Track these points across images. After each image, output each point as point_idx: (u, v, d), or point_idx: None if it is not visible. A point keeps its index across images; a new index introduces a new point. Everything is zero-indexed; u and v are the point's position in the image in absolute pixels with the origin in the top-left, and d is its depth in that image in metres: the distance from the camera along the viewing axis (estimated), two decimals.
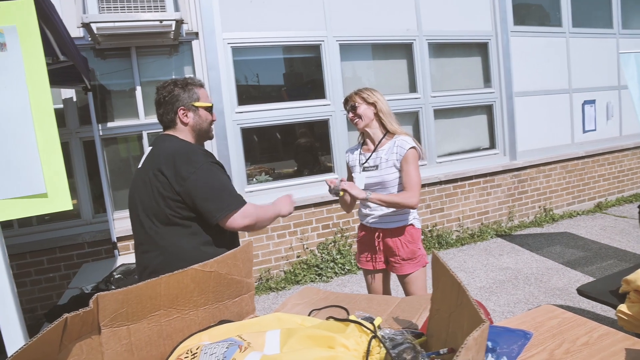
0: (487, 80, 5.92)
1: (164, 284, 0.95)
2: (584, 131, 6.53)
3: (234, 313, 1.13)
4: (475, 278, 4.41)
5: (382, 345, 0.77)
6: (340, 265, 4.84)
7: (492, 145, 6.00)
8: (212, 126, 1.99)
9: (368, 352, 0.74)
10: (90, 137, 4.14)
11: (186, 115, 1.87)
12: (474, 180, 5.69)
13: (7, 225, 4.01)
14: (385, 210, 2.44)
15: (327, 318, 0.89)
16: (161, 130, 1.98)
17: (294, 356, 0.69)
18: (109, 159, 4.38)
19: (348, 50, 5.13)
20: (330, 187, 2.32)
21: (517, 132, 5.95)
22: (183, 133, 1.89)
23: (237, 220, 1.73)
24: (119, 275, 3.22)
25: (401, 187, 2.40)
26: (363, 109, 2.45)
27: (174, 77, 4.48)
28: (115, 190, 4.41)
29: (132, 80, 4.36)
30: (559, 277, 4.24)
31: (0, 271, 1.01)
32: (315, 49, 4.99)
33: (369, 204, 2.47)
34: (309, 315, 1.17)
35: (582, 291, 2.21)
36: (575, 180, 6.42)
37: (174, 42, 4.35)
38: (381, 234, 2.48)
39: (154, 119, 4.39)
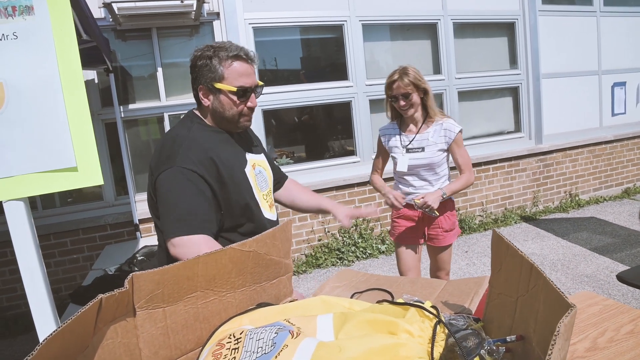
0: (513, 61, 5.73)
1: (202, 264, 0.89)
2: (613, 114, 6.29)
3: (271, 295, 1.07)
4: None
5: (446, 331, 0.69)
6: (361, 249, 4.78)
7: (518, 129, 5.83)
8: (244, 115, 1.54)
9: (433, 339, 0.67)
10: (112, 119, 4.11)
11: (207, 97, 1.51)
12: (498, 164, 5.55)
13: (32, 206, 4.02)
14: (430, 188, 2.52)
15: (379, 301, 0.82)
16: (184, 110, 1.81)
17: (355, 343, 0.62)
18: (130, 141, 4.35)
19: (371, 30, 4.99)
20: (422, 208, 2.37)
21: (543, 115, 5.76)
22: (207, 115, 1.56)
23: (170, 248, 1.35)
24: (141, 257, 3.21)
25: (444, 167, 2.53)
26: (415, 96, 2.45)
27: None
28: (137, 172, 4.39)
29: (153, 61, 4.30)
30: (587, 263, 4.12)
31: (29, 251, 0.96)
32: (338, 29, 4.87)
33: (409, 181, 2.56)
34: (351, 297, 1.10)
35: (622, 278, 2.11)
36: (602, 165, 6.22)
37: (195, 23, 4.27)
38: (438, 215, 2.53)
39: (175, 100, 4.35)
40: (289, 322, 0.75)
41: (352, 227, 4.93)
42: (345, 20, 4.81)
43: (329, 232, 4.85)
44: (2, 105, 0.91)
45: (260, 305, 0.96)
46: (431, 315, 0.72)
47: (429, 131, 2.50)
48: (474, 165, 5.37)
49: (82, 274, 4.08)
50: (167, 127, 4.35)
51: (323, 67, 5.13)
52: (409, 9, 5.07)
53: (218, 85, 1.47)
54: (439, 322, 0.70)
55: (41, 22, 0.90)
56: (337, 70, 4.97)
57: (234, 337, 0.76)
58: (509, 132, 5.81)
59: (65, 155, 0.93)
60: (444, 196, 2.43)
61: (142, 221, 4.17)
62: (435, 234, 2.59)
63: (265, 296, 1.05)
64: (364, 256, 4.76)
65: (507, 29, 5.67)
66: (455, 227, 2.63)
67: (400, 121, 2.62)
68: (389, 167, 2.75)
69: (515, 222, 5.48)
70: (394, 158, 2.60)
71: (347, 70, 4.88)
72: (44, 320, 1.01)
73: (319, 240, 4.83)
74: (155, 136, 4.53)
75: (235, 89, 1.47)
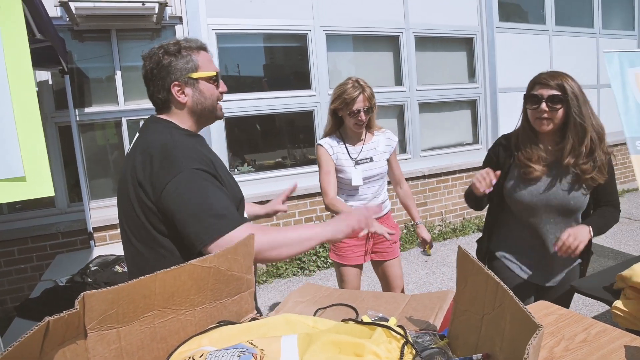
0: (471, 75, 5.90)
1: (159, 281, 0.84)
2: None
3: (232, 312, 1.03)
4: None
5: (413, 351, 0.68)
6: (322, 258, 4.76)
7: (476, 141, 5.99)
8: (219, 102, 1.48)
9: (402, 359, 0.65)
10: (67, 123, 3.93)
11: (183, 93, 1.40)
12: (457, 175, 5.68)
13: None
14: (378, 199, 2.50)
15: (345, 320, 0.79)
16: (145, 116, 1.69)
17: None
18: (85, 146, 4.18)
19: (335, 40, 5.02)
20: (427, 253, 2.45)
21: (499, 127, 5.94)
22: (180, 117, 1.43)
23: (215, 251, 1.16)
24: (95, 267, 3.06)
25: (386, 177, 2.56)
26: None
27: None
28: (92, 178, 4.22)
29: (111, 64, 4.16)
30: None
31: None
32: (302, 38, 4.87)
33: (360, 194, 2.48)
34: (314, 314, 1.07)
35: (575, 287, 2.18)
36: None
37: (156, 26, 4.17)
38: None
39: (134, 105, 4.22)
40: (251, 344, 0.72)
41: None
42: (310, 30, 4.82)
43: None
44: None
45: (222, 323, 0.92)
46: (398, 336, 0.71)
47: (374, 141, 2.50)
48: (434, 175, 5.49)
49: (30, 284, 3.87)
50: (125, 132, 4.21)
51: (286, 76, 5.11)
52: (373, 20, 5.13)
53: (195, 75, 1.40)
54: (406, 342, 0.69)
55: None
56: (300, 79, 4.96)
57: (194, 359, 0.72)
58: (467, 144, 5.96)
59: (13, 163, 0.87)
60: (422, 223, 2.63)
61: (96, 229, 4.00)
62: (383, 247, 2.54)
63: (226, 313, 1.01)
64: (325, 266, 4.74)
65: (466, 43, 5.84)
66: (399, 239, 2.65)
67: (343, 134, 2.51)
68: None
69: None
70: (343, 172, 2.46)
71: (310, 79, 4.89)
72: None
73: None
74: (112, 141, 4.37)
75: (214, 73, 1.44)
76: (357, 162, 2.45)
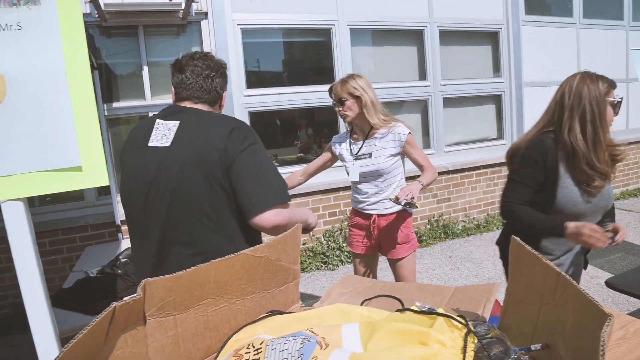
0: (496, 69, 5.81)
1: (215, 270, 0.85)
2: None
3: (279, 302, 1.04)
4: (484, 269, 4.35)
5: (475, 341, 0.67)
6: (346, 253, 4.76)
7: (500, 136, 5.91)
8: None
9: (465, 349, 0.65)
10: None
11: (222, 104, 1.66)
12: (481, 171, 5.61)
13: None
14: (380, 196, 2.49)
15: (400, 310, 0.79)
16: None
17: (389, 354, 0.60)
18: (113, 140, 4.25)
19: (358, 35, 5.00)
20: (397, 202, 2.30)
21: (525, 122, 5.84)
22: (215, 111, 1.64)
23: (276, 215, 1.36)
24: (124, 259, 3.11)
25: (396, 174, 2.48)
26: (350, 103, 2.42)
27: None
28: (120, 172, 4.28)
29: (138, 60, 4.21)
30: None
31: (28, 254, 0.91)
32: (326, 33, 4.85)
33: (361, 189, 2.52)
34: (361, 305, 1.07)
35: (611, 284, 2.14)
36: None
37: (182, 22, 4.20)
38: (376, 219, 2.50)
39: (160, 100, 4.26)
40: (312, 332, 0.72)
41: (337, 231, 4.91)
42: (334, 24, 4.80)
43: (313, 235, 4.82)
44: (4, 98, 0.86)
45: (272, 313, 0.93)
46: (460, 325, 0.70)
47: (376, 137, 2.46)
48: (458, 171, 5.43)
49: (60, 275, 3.95)
50: None
51: (310, 70, 5.10)
52: (397, 15, 5.09)
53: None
54: (469, 331, 0.68)
55: (47, 13, 0.84)
56: (323, 74, 4.95)
57: (253, 347, 0.72)
58: (491, 139, 5.89)
59: (70, 153, 0.88)
60: (422, 185, 2.31)
61: (124, 222, 4.07)
62: (387, 245, 2.54)
63: (274, 303, 1.02)
64: (349, 260, 4.74)
65: (491, 37, 5.75)
66: (410, 240, 2.54)
67: (351, 130, 2.59)
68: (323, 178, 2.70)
69: (497, 228, 5.53)
70: (345, 167, 2.56)
71: (334, 74, 4.87)
72: (41, 323, 0.96)
73: (304, 244, 4.80)
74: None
75: None
76: (356, 158, 2.49)
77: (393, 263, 2.58)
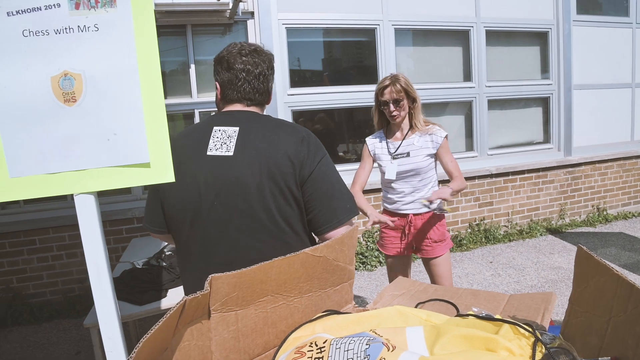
0: (544, 71, 5.64)
1: (276, 268, 0.86)
2: None
3: (334, 302, 1.04)
4: (526, 276, 4.24)
5: (543, 350, 0.66)
6: (380, 254, 4.74)
7: (547, 140, 5.74)
8: None
9: (534, 357, 0.64)
10: None
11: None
12: (525, 175, 5.46)
13: (62, 197, 4.07)
14: (417, 195, 2.51)
15: (460, 315, 0.78)
16: (215, 108, 1.69)
17: (457, 359, 0.59)
18: None
19: (403, 35, 4.96)
20: (429, 206, 2.37)
21: (573, 126, 5.66)
22: (265, 111, 1.54)
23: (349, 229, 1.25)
24: (169, 252, 3.20)
25: (432, 174, 2.53)
26: (404, 103, 2.46)
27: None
28: None
29: (186, 58, 4.32)
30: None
31: (97, 246, 0.95)
32: (370, 32, 4.83)
33: (397, 189, 2.54)
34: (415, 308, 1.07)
35: None
36: (632, 179, 6.08)
37: (229, 21, 4.28)
38: (412, 219, 2.52)
39: (206, 97, 4.36)
40: (376, 333, 0.72)
41: (377, 231, 4.89)
42: (379, 24, 4.78)
43: None
44: (80, 96, 0.90)
45: (329, 312, 0.94)
46: (527, 333, 0.69)
47: (414, 137, 2.50)
48: (501, 174, 5.31)
49: None
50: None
51: (354, 70, 5.10)
52: (442, 15, 5.02)
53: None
54: (537, 340, 0.67)
55: (123, 15, 0.88)
56: (367, 73, 4.94)
57: (316, 345, 0.73)
58: (537, 143, 5.73)
59: (139, 150, 0.92)
60: (452, 190, 2.32)
61: None
62: (423, 245, 2.55)
63: (329, 302, 1.03)
64: None
65: (540, 38, 5.58)
66: (446, 238, 2.58)
67: (387, 129, 2.62)
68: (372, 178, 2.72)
69: (540, 234, 5.39)
70: (381, 166, 2.58)
71: (378, 74, 4.85)
72: (107, 314, 1.00)
73: None
74: None
75: None
76: (394, 157, 2.51)
77: (429, 262, 2.59)
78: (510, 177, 5.39)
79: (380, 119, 2.62)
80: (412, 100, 2.47)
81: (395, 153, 2.52)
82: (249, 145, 1.31)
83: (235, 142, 1.33)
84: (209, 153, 1.32)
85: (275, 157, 1.29)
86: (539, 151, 5.65)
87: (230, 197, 1.29)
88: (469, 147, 5.37)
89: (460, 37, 5.21)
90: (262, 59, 1.44)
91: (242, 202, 1.29)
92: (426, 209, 2.52)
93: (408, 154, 2.48)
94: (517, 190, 5.46)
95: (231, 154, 1.31)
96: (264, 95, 1.47)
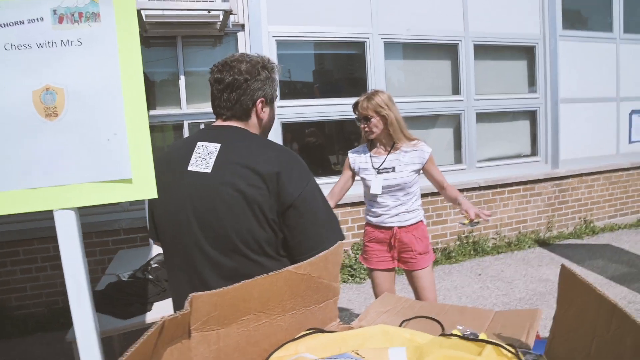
0: (532, 84, 5.71)
1: (259, 286, 0.86)
2: (630, 141, 6.24)
3: (318, 319, 1.03)
4: (514, 289, 4.24)
5: None
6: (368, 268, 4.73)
7: (534, 152, 5.79)
8: None
9: None
10: None
11: (263, 110, 1.44)
12: (513, 187, 5.50)
13: None
14: (400, 208, 2.53)
15: (444, 335, 0.78)
16: (206, 120, 1.67)
17: None
18: None
19: (392, 48, 4.99)
20: (471, 225, 2.37)
21: (560, 139, 5.72)
22: (252, 129, 1.44)
23: None
24: (156, 265, 3.16)
25: (416, 186, 2.56)
26: (375, 121, 2.48)
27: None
28: None
29: (175, 69, 4.31)
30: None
31: (77, 262, 0.93)
32: (360, 46, 4.87)
33: (382, 202, 2.56)
34: (399, 326, 1.06)
35: None
36: (618, 192, 6.15)
37: (219, 33, 4.28)
38: (397, 232, 2.53)
39: (195, 109, 4.34)
40: (357, 354, 0.72)
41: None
42: (368, 37, 4.81)
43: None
44: (62, 111, 0.89)
45: (312, 330, 0.93)
46: (509, 354, 0.69)
47: (399, 152, 2.53)
48: (490, 187, 5.34)
49: (93, 277, 4.01)
50: (186, 134, 4.34)
51: (343, 83, 5.13)
52: (431, 29, 5.07)
53: (275, 98, 1.51)
54: None
55: (107, 30, 0.88)
56: (356, 86, 4.97)
57: None
58: (525, 156, 5.78)
59: (122, 166, 0.91)
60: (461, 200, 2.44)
61: None
62: (408, 257, 2.56)
63: (313, 320, 1.02)
64: None
65: (527, 52, 5.66)
66: (429, 251, 2.59)
67: (371, 143, 2.64)
68: (353, 191, 2.78)
69: (529, 247, 5.41)
70: (365, 180, 2.59)
71: (367, 87, 4.87)
72: (86, 332, 0.98)
73: None
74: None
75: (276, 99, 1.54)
76: (378, 171, 2.53)
77: (413, 274, 2.59)
78: (498, 189, 5.43)
79: (365, 134, 2.63)
80: (383, 118, 2.46)
81: (380, 168, 2.53)
82: (227, 164, 1.30)
83: (214, 159, 1.31)
84: (189, 168, 1.33)
85: (252, 180, 1.26)
86: (527, 164, 5.70)
87: (205, 214, 1.30)
88: (458, 159, 5.40)
89: (449, 50, 5.27)
90: (241, 68, 1.38)
91: (215, 220, 1.28)
92: (411, 220, 2.54)
93: (393, 169, 2.51)
94: (506, 202, 5.50)
95: (209, 171, 1.30)
96: (235, 109, 1.40)
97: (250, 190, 1.26)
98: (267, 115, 1.47)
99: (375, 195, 2.54)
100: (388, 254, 2.58)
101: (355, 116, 2.58)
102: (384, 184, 2.51)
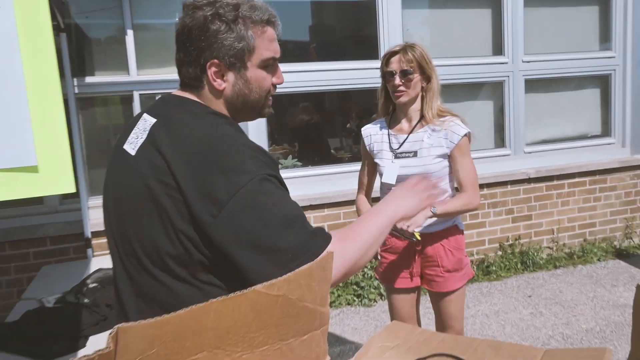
0: (604, 39, 5.71)
1: (214, 313, 0.83)
2: None
3: (300, 357, 1.02)
4: (578, 316, 4.25)
5: None
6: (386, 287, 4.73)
7: (606, 132, 5.81)
8: (269, 96, 1.52)
9: None
10: (62, 95, 4.08)
11: (221, 77, 1.37)
12: (577, 180, 5.50)
13: None
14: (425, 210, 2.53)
15: None
16: (164, 90, 1.64)
17: None
18: (85, 127, 4.32)
19: None
20: (402, 234, 2.35)
21: None
22: (212, 103, 1.40)
23: None
24: (94, 284, 3.15)
25: (445, 181, 2.54)
26: (416, 79, 2.46)
27: None
28: (93, 168, 4.36)
29: (120, 20, 4.27)
30: None
31: None
32: None
33: None
34: None
35: None
36: None
37: None
38: (421, 239, 2.49)
39: (149, 75, 4.34)
40: None
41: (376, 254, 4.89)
42: None
43: None
44: None
45: None
46: None
47: (424, 130, 2.51)
48: (543, 179, 5.33)
49: (6, 304, 4.00)
50: (137, 110, 4.32)
51: (345, 42, 5.13)
52: None
53: (246, 59, 1.38)
54: None
55: None
56: (364, 46, 4.97)
57: None
58: (593, 137, 5.80)
59: (22, 148, 0.87)
60: (434, 212, 2.36)
61: (95, 234, 4.11)
62: (432, 275, 2.55)
63: (293, 357, 1.00)
64: None
65: None
66: (464, 267, 2.58)
67: (391, 118, 2.64)
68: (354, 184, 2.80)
69: (599, 259, 5.42)
70: (379, 165, 2.60)
71: (379, 46, 4.87)
72: None
73: None
74: (119, 121, 4.50)
75: (268, 60, 1.43)
76: (396, 155, 2.54)
77: (439, 297, 2.60)
78: (555, 182, 5.42)
79: (385, 103, 2.64)
80: (427, 78, 2.47)
81: (399, 150, 2.53)
82: (149, 148, 1.28)
83: (144, 139, 1.30)
84: (124, 146, 1.35)
85: (161, 173, 1.22)
86: (596, 147, 5.71)
87: (117, 208, 1.34)
88: (499, 143, 5.39)
89: None
90: (191, 13, 1.33)
91: (120, 219, 1.32)
92: (439, 226, 2.52)
93: (415, 154, 2.50)
94: (565, 199, 5.50)
95: (133, 153, 1.31)
96: (187, 73, 1.38)
97: (158, 187, 1.22)
98: (230, 84, 1.39)
99: (390, 186, 2.52)
100: (409, 269, 2.58)
101: (382, 77, 2.55)
102: (400, 173, 2.49)
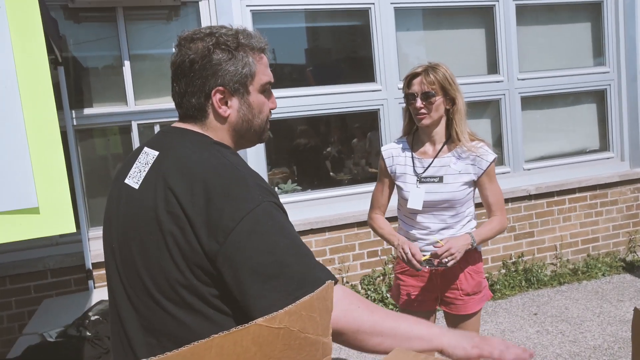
0: (598, 55, 5.75)
1: (216, 348, 0.83)
2: None
3: None
4: (585, 333, 4.22)
5: None
6: (391, 307, 4.70)
7: (604, 147, 5.82)
8: (268, 121, 1.54)
9: None
10: (61, 127, 4.09)
11: (225, 103, 1.39)
12: (577, 195, 5.51)
13: None
14: (445, 234, 2.49)
15: None
16: (163, 120, 1.67)
17: None
18: (84, 158, 4.33)
19: (405, 16, 5.03)
20: (433, 264, 2.36)
21: None
22: (216, 132, 1.42)
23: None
24: (96, 317, 3.14)
25: (470, 205, 2.54)
26: (439, 101, 2.43)
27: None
28: (93, 198, 4.36)
29: (117, 52, 4.31)
30: None
31: None
32: (362, 15, 4.90)
33: (421, 222, 2.52)
34: None
35: None
36: None
37: (174, 3, 4.30)
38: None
39: (147, 105, 4.35)
40: None
41: (379, 276, 4.87)
42: (373, 3, 4.84)
43: (347, 282, 4.78)
44: None
45: None
46: None
47: (451, 155, 2.48)
48: (543, 195, 5.35)
49: (6, 339, 3.99)
50: (135, 140, 4.34)
51: (341, 65, 5.15)
52: None
53: (249, 84, 1.43)
54: None
55: None
56: (359, 69, 4.99)
57: None
58: (592, 151, 5.81)
59: (23, 190, 0.89)
60: (473, 245, 2.39)
61: (97, 266, 4.11)
62: (452, 298, 2.53)
63: None
64: None
65: (590, 10, 5.70)
66: (483, 289, 2.57)
67: (414, 138, 2.61)
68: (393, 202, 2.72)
69: (603, 274, 5.40)
70: (401, 190, 2.55)
71: (374, 69, 4.90)
72: None
73: None
74: (118, 151, 4.51)
75: (266, 84, 1.49)
76: (420, 180, 2.49)
77: (457, 320, 2.57)
78: (555, 198, 5.43)
79: (409, 124, 2.62)
80: (451, 100, 2.44)
81: (424, 175, 2.50)
82: (154, 180, 1.30)
83: (146, 172, 1.33)
84: (125, 180, 1.39)
85: (170, 204, 1.24)
86: (595, 162, 5.73)
87: (123, 241, 1.35)
88: (498, 160, 5.38)
89: (481, 15, 5.32)
90: (193, 47, 1.36)
91: (128, 251, 1.33)
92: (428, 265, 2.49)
93: (441, 179, 2.46)
94: (567, 215, 5.49)
95: (137, 186, 1.34)
96: (191, 104, 1.39)
97: (166, 219, 1.23)
98: (235, 110, 1.42)
99: (414, 212, 2.51)
100: (426, 292, 2.56)
101: (403, 95, 2.53)
102: (426, 198, 2.46)
